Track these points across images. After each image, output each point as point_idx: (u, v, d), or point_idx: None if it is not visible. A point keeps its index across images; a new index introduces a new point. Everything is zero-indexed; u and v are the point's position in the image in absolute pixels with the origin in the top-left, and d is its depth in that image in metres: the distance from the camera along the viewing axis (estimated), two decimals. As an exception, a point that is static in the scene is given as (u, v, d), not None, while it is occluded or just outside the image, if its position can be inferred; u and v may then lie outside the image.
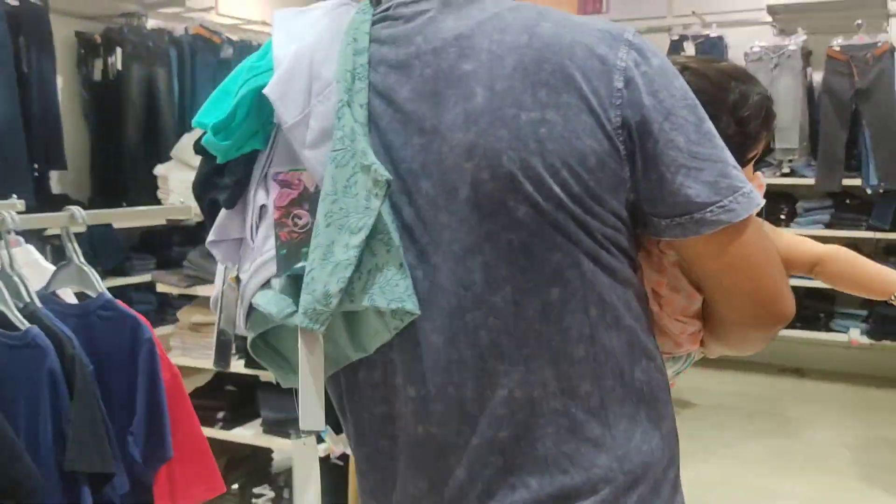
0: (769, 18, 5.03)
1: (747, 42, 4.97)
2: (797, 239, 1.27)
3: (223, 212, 0.93)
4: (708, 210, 0.80)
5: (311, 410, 0.85)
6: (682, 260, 0.94)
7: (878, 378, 4.88)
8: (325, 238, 0.80)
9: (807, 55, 4.83)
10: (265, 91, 0.84)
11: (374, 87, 0.84)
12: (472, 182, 0.80)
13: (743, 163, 1.04)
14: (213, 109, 0.88)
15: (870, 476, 3.53)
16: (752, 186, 0.83)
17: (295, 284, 0.83)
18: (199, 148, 0.90)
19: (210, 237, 0.94)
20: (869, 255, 4.07)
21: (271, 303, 0.84)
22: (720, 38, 5.04)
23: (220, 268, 0.99)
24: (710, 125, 0.83)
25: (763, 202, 0.85)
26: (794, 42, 4.78)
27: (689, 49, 5.02)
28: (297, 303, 0.82)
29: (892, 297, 1.25)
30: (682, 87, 0.82)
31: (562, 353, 0.82)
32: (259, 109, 0.87)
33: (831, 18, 4.87)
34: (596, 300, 0.82)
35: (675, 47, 5.10)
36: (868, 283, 1.27)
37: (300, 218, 0.84)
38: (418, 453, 0.86)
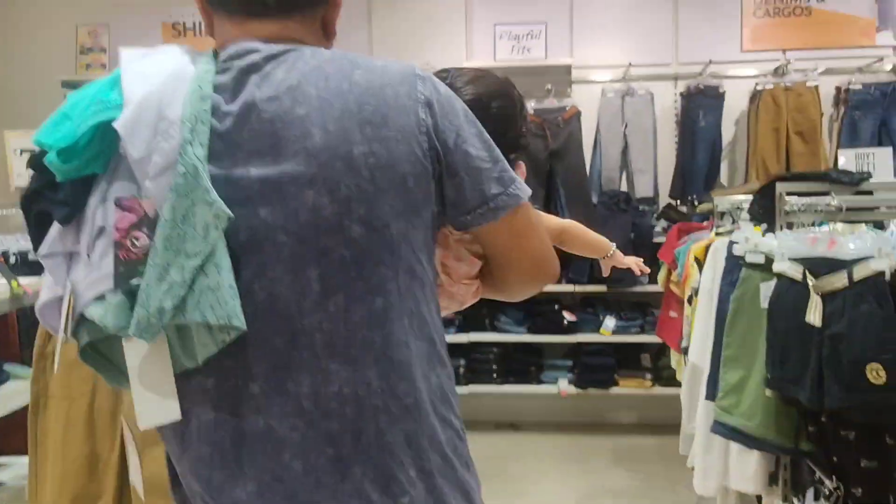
0: (467, 81, 5.13)
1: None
2: (544, 215, 1.56)
3: (56, 227, 0.97)
4: (498, 198, 1.03)
5: (147, 409, 0.95)
6: (473, 239, 1.17)
7: (586, 425, 5.09)
8: (161, 259, 0.90)
9: (504, 117, 4.99)
10: (116, 125, 0.92)
11: (214, 128, 0.95)
12: (313, 207, 0.94)
13: (522, 150, 1.37)
14: (52, 130, 0.95)
15: (601, 530, 3.56)
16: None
17: (131, 300, 0.91)
18: (34, 163, 0.97)
19: (42, 250, 0.99)
20: (568, 307, 4.17)
21: (108, 316, 0.91)
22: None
23: (47, 277, 1.01)
24: (486, 135, 1.05)
25: (530, 190, 1.08)
26: (492, 104, 4.92)
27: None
28: (130, 317, 0.90)
29: (608, 254, 1.69)
30: (463, 108, 1.04)
31: (383, 356, 0.96)
32: (102, 138, 0.94)
33: (524, 83, 5.01)
34: (410, 311, 0.99)
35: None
36: (595, 245, 1.68)
37: (138, 240, 0.92)
38: (258, 449, 0.96)
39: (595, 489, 4.08)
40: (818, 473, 2.11)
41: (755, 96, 4.96)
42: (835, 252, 1.98)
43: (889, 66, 4.93)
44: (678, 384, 4.88)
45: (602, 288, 4.92)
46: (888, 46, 4.99)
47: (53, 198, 0.96)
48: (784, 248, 2.07)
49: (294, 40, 1.03)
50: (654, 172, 5.04)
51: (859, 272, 1.90)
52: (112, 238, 0.92)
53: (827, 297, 1.95)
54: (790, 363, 2.03)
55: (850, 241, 1.98)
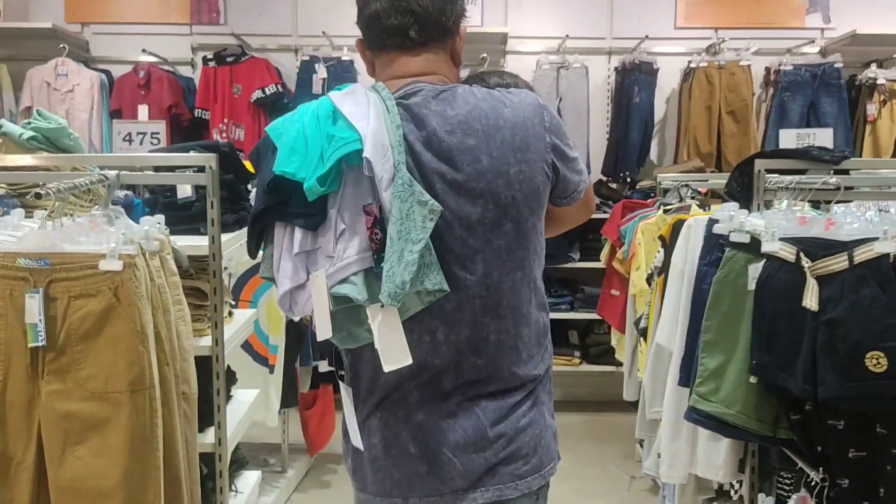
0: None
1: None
2: None
3: (300, 232, 1.30)
4: (580, 184, 1.46)
5: (391, 357, 1.26)
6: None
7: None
8: (397, 247, 1.22)
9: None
10: (368, 156, 1.23)
11: (408, 152, 1.29)
12: (482, 211, 1.31)
13: None
14: (287, 162, 1.27)
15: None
16: None
17: (368, 280, 1.26)
18: (271, 187, 1.30)
19: (296, 249, 1.30)
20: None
21: (360, 291, 1.25)
22: (351, 63, 4.76)
23: (286, 270, 1.31)
24: (569, 139, 1.44)
25: None
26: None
27: (321, 71, 4.66)
28: (371, 291, 1.25)
29: None
30: (560, 121, 1.43)
31: (517, 311, 1.38)
32: (337, 164, 1.26)
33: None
34: (534, 280, 1.41)
35: (308, 67, 4.71)
36: None
37: (378, 234, 1.24)
38: (425, 375, 1.35)
39: None
40: (798, 463, 2.03)
41: (688, 74, 4.92)
42: (832, 233, 1.89)
43: (817, 49, 4.99)
44: (606, 362, 4.86)
45: (532, 265, 4.82)
46: (817, 28, 5.04)
47: (289, 211, 1.30)
48: (773, 227, 1.96)
49: (436, 73, 1.37)
50: (587, 148, 4.95)
51: (861, 254, 1.80)
52: (355, 235, 1.25)
53: (823, 281, 1.85)
54: (778, 349, 1.93)
55: (849, 222, 1.89)
